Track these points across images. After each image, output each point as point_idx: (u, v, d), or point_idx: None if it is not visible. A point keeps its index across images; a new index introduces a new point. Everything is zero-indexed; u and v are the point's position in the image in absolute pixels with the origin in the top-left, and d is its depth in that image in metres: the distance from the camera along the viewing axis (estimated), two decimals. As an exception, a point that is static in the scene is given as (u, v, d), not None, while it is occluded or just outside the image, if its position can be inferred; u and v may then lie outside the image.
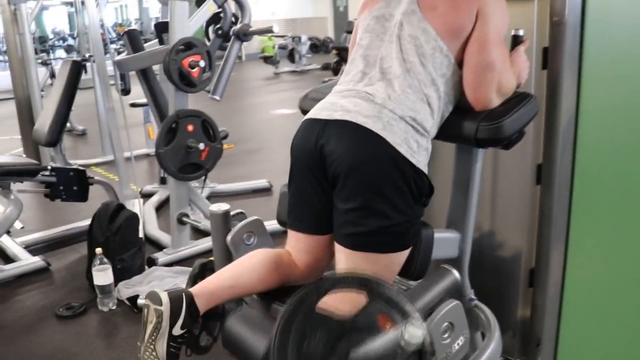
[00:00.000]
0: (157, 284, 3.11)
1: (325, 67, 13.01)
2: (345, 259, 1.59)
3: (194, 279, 1.92)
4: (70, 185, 3.54)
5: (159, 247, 3.61)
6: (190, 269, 3.21)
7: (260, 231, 2.04)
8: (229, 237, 1.97)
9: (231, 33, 3.68)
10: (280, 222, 2.15)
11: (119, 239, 3.11)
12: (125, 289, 3.03)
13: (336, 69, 11.52)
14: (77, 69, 3.72)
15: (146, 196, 4.59)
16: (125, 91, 4.33)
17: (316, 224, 1.71)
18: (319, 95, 2.15)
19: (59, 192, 3.54)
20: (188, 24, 3.33)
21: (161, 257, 3.39)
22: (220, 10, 3.64)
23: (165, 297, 1.52)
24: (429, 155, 1.62)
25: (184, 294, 1.56)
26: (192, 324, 1.56)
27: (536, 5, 1.94)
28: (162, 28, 3.62)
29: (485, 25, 1.60)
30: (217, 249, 2.08)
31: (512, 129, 1.64)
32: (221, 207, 2.06)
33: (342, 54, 11.21)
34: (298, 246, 1.76)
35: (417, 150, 1.56)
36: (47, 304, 3.04)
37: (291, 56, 13.50)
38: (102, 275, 2.89)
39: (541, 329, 2.22)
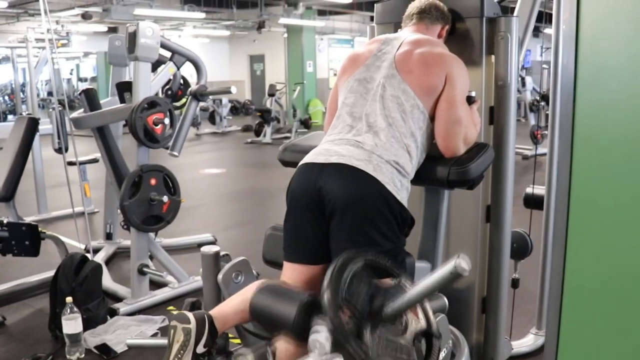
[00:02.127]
0: (123, 332, 3.19)
1: (246, 129, 13.35)
2: None
3: None
4: (22, 240, 3.56)
5: (116, 298, 3.67)
6: (154, 317, 3.36)
7: (247, 270, 2.24)
8: (220, 276, 2.16)
9: (188, 93, 3.91)
10: (266, 261, 2.38)
11: (85, 289, 3.18)
12: (92, 338, 3.09)
13: (258, 131, 11.88)
14: (32, 125, 3.80)
15: (88, 252, 4.61)
16: (64, 149, 4.44)
17: (313, 256, 1.95)
18: (297, 148, 2.44)
19: (10, 247, 3.55)
20: (150, 84, 3.54)
21: (122, 307, 3.46)
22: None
23: (192, 317, 1.71)
24: (408, 194, 1.92)
25: (205, 315, 1.75)
26: (212, 343, 1.75)
27: (484, 71, 2.33)
28: (123, 87, 3.80)
29: (453, 87, 1.95)
30: (208, 286, 2.26)
31: (476, 172, 1.98)
32: (212, 248, 2.26)
33: (265, 116, 11.60)
34: (295, 277, 1.98)
35: (400, 188, 1.86)
36: (10, 357, 3.03)
37: (212, 118, 13.74)
38: (73, 323, 2.94)
39: (494, 351, 2.53)
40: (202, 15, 12.58)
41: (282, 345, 1.76)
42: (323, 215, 1.87)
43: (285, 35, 15.99)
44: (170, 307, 3.61)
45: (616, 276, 1.06)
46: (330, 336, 1.49)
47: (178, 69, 3.77)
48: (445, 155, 2.00)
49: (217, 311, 1.83)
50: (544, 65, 11.57)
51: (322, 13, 15.63)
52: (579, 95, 0.99)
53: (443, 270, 1.43)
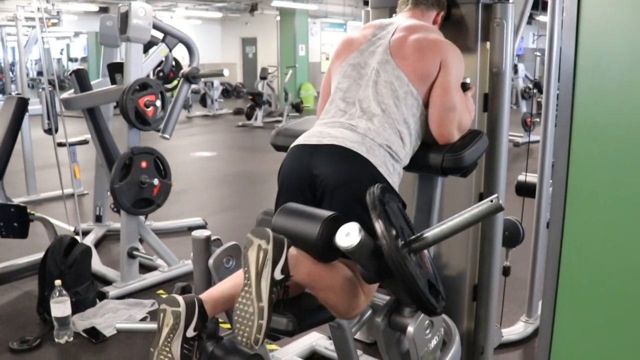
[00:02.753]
0: (112, 315, 3.18)
1: (237, 112, 13.30)
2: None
3: None
4: (10, 221, 3.54)
5: (105, 282, 3.65)
6: (143, 301, 3.35)
7: (238, 255, 2.22)
8: (210, 261, 2.14)
9: (180, 75, 3.87)
10: (257, 246, 2.36)
11: (74, 272, 3.17)
12: (81, 321, 3.08)
13: (250, 114, 11.82)
14: (22, 105, 3.76)
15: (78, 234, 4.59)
16: (54, 130, 4.39)
17: None
18: (289, 132, 2.41)
19: (-2, 228, 3.53)
20: (142, 65, 3.50)
21: (112, 290, 3.45)
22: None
23: (181, 300, 1.69)
24: (400, 179, 1.91)
25: (195, 298, 1.73)
26: (202, 327, 1.73)
27: (479, 58, 2.31)
28: (114, 68, 3.76)
29: (448, 73, 1.93)
30: (198, 271, 2.24)
31: (471, 159, 1.96)
32: (203, 233, 2.24)
33: (256, 99, 11.54)
34: (287, 262, 1.97)
35: (392, 172, 1.85)
36: (-2, 339, 3.03)
37: (203, 101, 13.66)
38: (61, 307, 2.93)
39: (484, 338, 2.54)
40: (195, -4, 12.46)
41: (298, 250, 1.72)
42: (314, 196, 1.86)
43: (278, 18, 15.88)
44: (160, 291, 3.60)
45: (612, 266, 1.05)
46: (362, 233, 1.50)
47: (170, 50, 3.73)
48: (439, 142, 1.98)
49: (207, 295, 1.81)
50: (537, 53, 11.58)
51: (315, -4, 15.53)
52: (578, 84, 0.98)
53: (478, 208, 1.44)
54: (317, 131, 1.92)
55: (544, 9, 2.85)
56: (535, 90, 9.72)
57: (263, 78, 12.39)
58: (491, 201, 1.43)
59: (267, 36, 17.79)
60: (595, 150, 0.99)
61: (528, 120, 8.41)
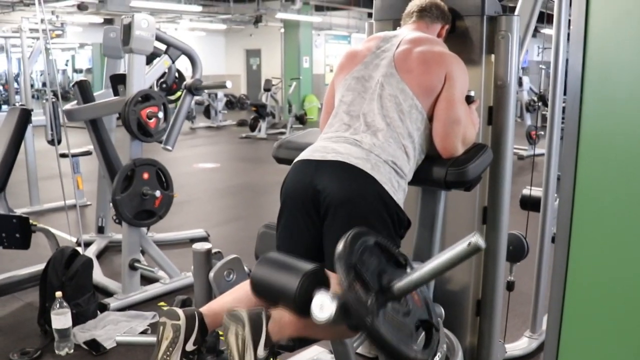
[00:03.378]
0: (113, 327, 3.15)
1: (241, 124, 13.31)
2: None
3: None
4: (12, 232, 3.52)
5: (106, 293, 3.63)
6: (144, 313, 3.32)
7: (239, 268, 2.20)
8: (211, 274, 2.12)
9: (183, 87, 3.86)
10: (257, 259, 2.34)
11: (75, 284, 3.14)
12: (82, 333, 3.06)
13: (253, 125, 11.83)
14: (25, 116, 3.75)
15: (80, 245, 4.57)
16: (57, 141, 4.39)
17: (306, 254, 1.90)
18: (292, 145, 2.40)
19: (0, 239, 3.51)
20: (145, 77, 3.49)
21: (113, 302, 3.43)
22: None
23: (182, 314, 1.68)
24: (405, 196, 1.89)
25: (196, 312, 1.71)
26: (202, 341, 1.71)
27: (483, 71, 2.30)
28: (117, 80, 3.76)
29: (452, 86, 1.92)
30: (199, 284, 2.22)
31: (475, 173, 1.94)
32: (204, 246, 2.22)
33: (260, 111, 11.55)
34: (288, 275, 1.94)
35: (398, 189, 1.82)
36: (-2, 351, 3.00)
37: (207, 112, 13.68)
38: (62, 318, 2.90)
39: (488, 354, 2.50)
40: (199, 8, 12.50)
41: (279, 312, 1.70)
42: (318, 213, 1.84)
43: (282, 30, 15.93)
44: (161, 303, 3.57)
45: (620, 281, 1.03)
46: (336, 301, 1.46)
47: (173, 62, 3.72)
48: (443, 156, 1.96)
49: (207, 309, 1.79)
50: (542, 66, 11.58)
51: (319, 8, 15.58)
52: (585, 97, 0.96)
53: (457, 248, 1.40)
54: (321, 146, 1.90)
55: (549, 22, 2.83)
56: (540, 103, 9.70)
57: (267, 90, 12.41)
58: (469, 244, 1.38)
59: (271, 48, 17.85)
60: (602, 164, 0.97)
61: (532, 133, 8.39)
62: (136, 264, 3.52)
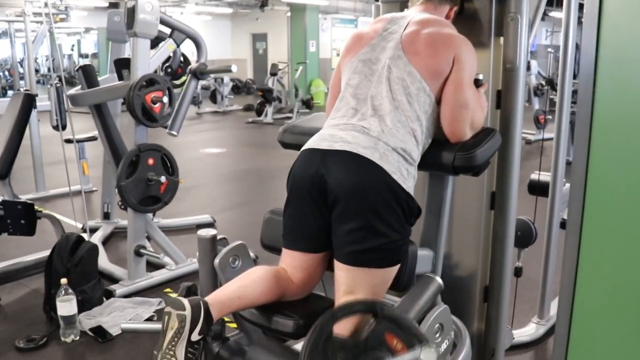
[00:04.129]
0: (119, 314, 3.15)
1: (248, 108, 13.26)
2: (346, 275, 1.77)
3: None
4: (17, 219, 3.51)
5: (112, 280, 3.63)
6: (150, 299, 3.31)
7: (244, 254, 2.18)
8: (216, 261, 2.10)
9: (188, 71, 3.83)
10: (264, 246, 2.32)
11: (80, 271, 3.14)
12: (87, 320, 3.05)
13: (260, 110, 11.79)
14: (29, 101, 3.73)
15: (85, 231, 4.57)
16: (62, 126, 4.36)
17: (313, 244, 1.88)
18: (297, 130, 2.37)
19: (6, 226, 3.50)
20: (149, 61, 3.46)
21: (119, 288, 3.42)
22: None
23: (187, 303, 1.65)
24: (415, 181, 1.86)
25: (201, 301, 1.69)
26: (207, 330, 1.69)
27: (492, 53, 2.24)
28: (121, 64, 3.72)
29: (461, 69, 1.87)
30: (204, 271, 2.20)
31: (483, 158, 1.90)
32: (209, 232, 2.20)
33: (266, 95, 11.50)
34: (294, 264, 1.92)
35: (407, 177, 1.79)
36: (5, 337, 3.00)
37: (213, 97, 13.64)
38: (67, 305, 2.90)
39: (495, 340, 2.48)
40: (205, -8, 12.42)
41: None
42: (325, 202, 1.81)
43: (289, 14, 15.82)
44: (167, 290, 3.57)
45: (633, 267, 1.00)
46: None
47: (178, 46, 3.69)
48: (451, 140, 1.91)
49: (213, 297, 1.77)
50: (550, 49, 11.45)
51: (326, -8, 15.45)
52: (599, 79, 0.92)
53: None
54: (328, 134, 1.86)
55: (559, 4, 2.78)
56: (548, 87, 9.62)
57: (273, 74, 12.35)
58: None
59: (278, 32, 17.75)
60: (616, 149, 0.93)
61: (541, 117, 8.31)
62: (142, 250, 3.51)
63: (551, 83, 9.43)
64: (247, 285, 1.84)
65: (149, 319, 3.14)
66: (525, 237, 2.70)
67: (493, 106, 2.29)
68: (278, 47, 17.75)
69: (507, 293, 2.46)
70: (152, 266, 3.78)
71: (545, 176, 2.96)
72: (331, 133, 1.86)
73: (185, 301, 1.67)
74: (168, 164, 3.56)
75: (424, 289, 1.86)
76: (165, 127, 3.68)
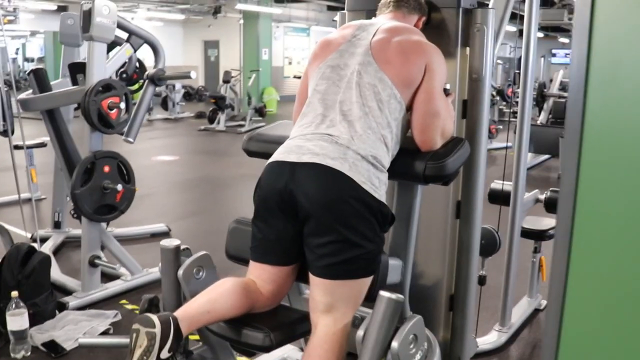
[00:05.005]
0: (72, 328, 3.03)
1: (199, 116, 13.10)
2: (323, 291, 1.75)
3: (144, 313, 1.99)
4: (-38, 228, 3.36)
5: (65, 291, 3.49)
6: (106, 312, 3.20)
7: (208, 265, 2.13)
8: (180, 272, 2.05)
9: (145, 77, 3.74)
10: (229, 256, 2.26)
11: (32, 283, 3.01)
12: (39, 334, 2.92)
13: (212, 118, 11.66)
14: (-24, 106, 3.56)
15: (35, 241, 4.40)
16: (10, 132, 4.19)
17: (283, 257, 1.85)
18: (263, 138, 2.33)
19: (-51, 236, 3.35)
20: (106, 66, 3.36)
21: (72, 300, 3.29)
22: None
23: (156, 320, 1.59)
24: (386, 187, 1.84)
25: (171, 317, 1.63)
26: (177, 347, 1.63)
27: (458, 64, 2.26)
28: (76, 68, 3.60)
29: (432, 78, 1.87)
30: (167, 282, 2.13)
31: (453, 167, 1.90)
32: (172, 242, 2.13)
33: (219, 103, 11.39)
34: (263, 276, 1.88)
35: (379, 186, 1.77)
36: (-51, 354, 2.84)
37: (164, 104, 13.42)
38: (18, 319, 2.77)
39: (461, 349, 2.49)
40: (157, -3, 12.23)
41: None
42: (295, 216, 1.77)
43: (241, 21, 15.74)
44: (123, 301, 3.46)
45: (624, 280, 0.99)
46: None
47: (135, 51, 3.59)
48: (421, 149, 1.91)
49: (182, 312, 1.71)
50: (499, 61, 11.73)
51: (279, 0, 15.43)
52: (590, 92, 0.92)
53: None
54: (295, 145, 1.83)
55: (512, 18, 2.83)
56: (498, 98, 9.83)
57: (226, 81, 12.24)
58: None
59: (230, 39, 17.64)
60: (608, 162, 0.93)
61: (492, 127, 8.47)
62: (96, 261, 3.39)
63: (501, 94, 9.64)
64: (216, 298, 1.79)
65: (105, 332, 3.03)
66: (490, 245, 2.72)
67: (459, 116, 2.30)
68: (230, 55, 17.63)
69: (472, 302, 2.47)
70: (107, 277, 3.65)
71: (500, 185, 3.01)
72: (298, 144, 1.82)
73: (155, 318, 1.60)
74: (124, 172, 3.46)
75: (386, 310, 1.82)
76: (121, 134, 3.58)
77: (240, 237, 2.23)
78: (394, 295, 1.86)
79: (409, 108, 1.90)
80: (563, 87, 8.66)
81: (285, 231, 1.81)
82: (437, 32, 2.24)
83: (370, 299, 1.88)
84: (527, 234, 3.13)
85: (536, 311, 3.38)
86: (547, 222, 3.34)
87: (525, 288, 3.44)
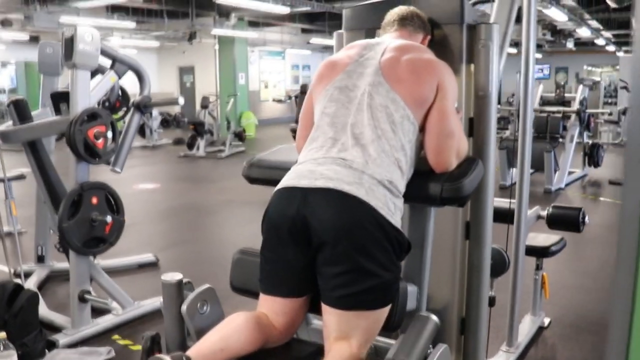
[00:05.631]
0: (64, 367, 2.88)
1: (178, 142, 12.97)
2: (338, 320, 1.66)
3: (148, 354, 1.89)
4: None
5: (53, 328, 3.33)
6: (98, 348, 3.06)
7: (213, 299, 2.03)
8: (184, 307, 1.95)
9: (131, 105, 3.64)
10: (234, 289, 2.17)
11: (20, 322, 2.86)
12: (29, 377, 2.78)
13: (191, 144, 11.54)
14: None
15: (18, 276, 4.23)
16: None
17: (295, 288, 1.76)
18: (265, 164, 2.25)
19: None
20: (90, 94, 3.25)
21: (62, 338, 3.14)
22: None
23: None
24: (402, 214, 1.76)
25: (184, 357, 1.53)
26: (190, 389, 1.53)
27: (463, 81, 2.21)
28: (58, 98, 3.48)
29: (445, 97, 1.81)
30: (170, 318, 2.03)
31: (470, 188, 1.84)
32: (174, 276, 2.04)
33: (198, 129, 11.28)
34: (275, 309, 1.78)
35: (395, 211, 1.70)
36: None
37: (142, 131, 13.25)
38: (7, 362, 2.62)
39: (473, 374, 2.40)
40: (133, 24, 12.12)
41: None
42: (308, 244, 1.68)
43: (217, 46, 15.70)
44: (116, 336, 3.31)
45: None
46: None
47: (119, 78, 3.49)
48: (436, 171, 1.84)
49: (195, 352, 1.61)
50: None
51: (253, 24, 15.43)
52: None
53: None
54: (307, 170, 1.74)
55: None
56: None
57: (204, 107, 12.14)
58: None
59: (205, 65, 17.60)
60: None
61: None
62: (87, 296, 3.24)
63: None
64: (229, 335, 1.69)
65: (99, 372, 2.89)
66: (498, 265, 2.65)
67: (466, 134, 2.24)
68: (206, 80, 17.58)
69: (484, 324, 2.40)
70: (96, 311, 3.50)
71: (501, 202, 2.95)
72: (310, 169, 1.74)
73: (168, 358, 1.50)
74: (112, 203, 3.34)
75: (421, 329, 1.75)
76: (108, 164, 3.46)
77: (245, 268, 2.13)
78: (434, 317, 1.79)
79: (422, 129, 1.83)
80: (543, 101, 8.71)
81: (296, 261, 1.72)
82: (441, 49, 2.18)
83: (388, 329, 1.80)
84: (530, 251, 3.07)
85: (540, 329, 3.32)
86: (547, 238, 3.29)
87: (526, 306, 3.38)
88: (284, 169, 2.18)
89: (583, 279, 4.29)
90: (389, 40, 1.96)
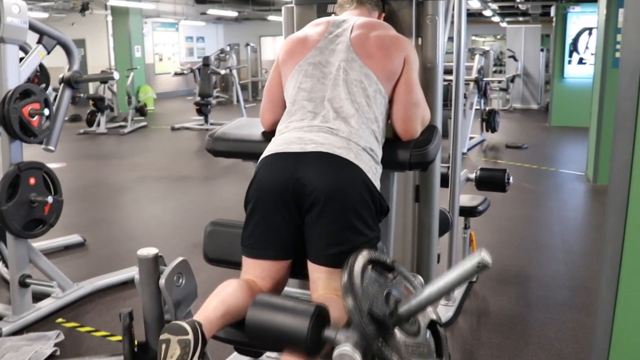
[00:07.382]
0: (14, 355, 2.82)
1: (74, 119, 12.41)
2: (327, 277, 1.77)
3: (128, 330, 1.95)
4: None
5: (-10, 317, 3.23)
6: (47, 333, 3.02)
7: (187, 272, 2.09)
8: (162, 281, 1.99)
9: (60, 80, 3.52)
10: (208, 260, 2.24)
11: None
12: (-21, 366, 2.70)
13: (91, 120, 11.11)
14: None
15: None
16: None
17: (283, 251, 1.85)
18: (229, 137, 2.31)
19: None
20: (19, 70, 3.13)
21: (4, 326, 3.04)
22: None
23: (188, 327, 1.55)
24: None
25: (196, 323, 1.59)
26: (203, 353, 1.59)
27: (414, 54, 2.36)
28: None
29: (410, 70, 1.96)
30: (148, 293, 2.06)
31: (435, 153, 2.01)
32: (150, 251, 2.06)
33: (98, 104, 10.86)
34: (262, 274, 1.87)
35: (377, 176, 1.84)
36: None
37: (34, 108, 12.55)
38: (-43, 351, 2.54)
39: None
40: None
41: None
42: (298, 207, 1.78)
43: (110, 18, 15.04)
44: (60, 319, 3.25)
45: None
46: (356, 348, 1.46)
47: (48, 53, 3.37)
48: (403, 139, 1.99)
49: (202, 317, 1.67)
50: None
51: (148, -5, 14.91)
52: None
53: (465, 265, 1.45)
54: (295, 137, 1.83)
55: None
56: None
57: (104, 82, 11.66)
58: (478, 264, 1.43)
59: (97, 37, 16.86)
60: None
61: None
62: (28, 280, 3.15)
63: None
64: (227, 300, 1.76)
65: (52, 356, 2.85)
66: (443, 225, 2.86)
67: (417, 104, 2.41)
68: (98, 54, 16.85)
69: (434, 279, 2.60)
70: (35, 297, 3.40)
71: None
72: (298, 136, 1.83)
73: (186, 325, 1.56)
74: (50, 183, 3.25)
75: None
76: (41, 143, 3.36)
77: (219, 239, 2.21)
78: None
79: (390, 100, 1.97)
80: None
81: (285, 224, 1.81)
82: (392, 24, 2.32)
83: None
84: (461, 211, 3.32)
85: (470, 283, 3.60)
86: (472, 198, 3.56)
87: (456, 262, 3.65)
88: (249, 141, 2.26)
89: (500, 236, 4.66)
90: (353, 18, 2.07)
